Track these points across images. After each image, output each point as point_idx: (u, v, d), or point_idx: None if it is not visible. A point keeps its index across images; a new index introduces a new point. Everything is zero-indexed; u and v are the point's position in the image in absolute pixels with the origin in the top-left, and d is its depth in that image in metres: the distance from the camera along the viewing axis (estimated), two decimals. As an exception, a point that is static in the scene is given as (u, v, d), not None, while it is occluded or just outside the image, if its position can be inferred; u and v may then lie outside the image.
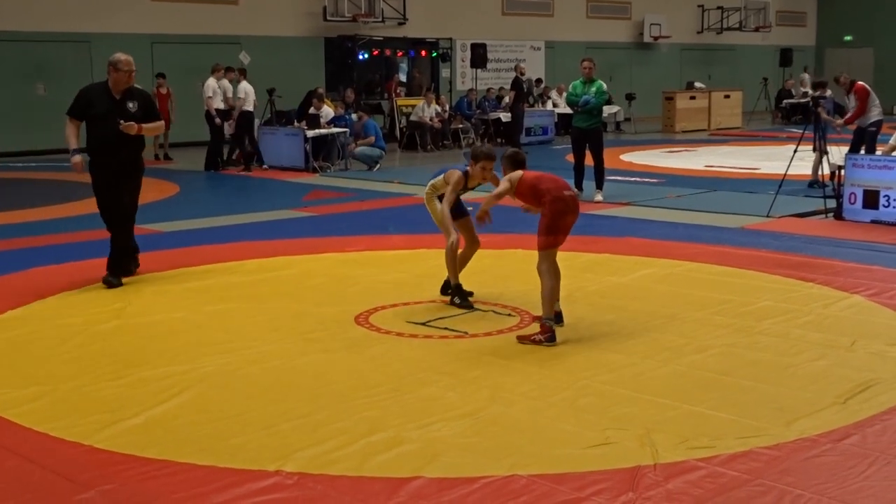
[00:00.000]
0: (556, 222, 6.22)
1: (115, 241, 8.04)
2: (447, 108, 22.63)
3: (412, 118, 21.81)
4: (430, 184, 7.17)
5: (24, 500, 3.94)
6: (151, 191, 14.57)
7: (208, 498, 3.92)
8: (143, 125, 7.95)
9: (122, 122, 7.78)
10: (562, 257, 8.44)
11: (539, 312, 6.32)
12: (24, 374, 5.56)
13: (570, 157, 13.25)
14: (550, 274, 6.24)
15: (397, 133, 22.27)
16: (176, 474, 4.14)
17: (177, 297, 7.46)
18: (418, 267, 8.51)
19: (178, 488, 4.01)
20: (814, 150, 12.62)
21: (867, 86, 13.10)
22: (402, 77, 24.93)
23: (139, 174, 8.19)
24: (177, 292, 7.60)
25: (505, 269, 8.29)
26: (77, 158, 8.06)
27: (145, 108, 8.08)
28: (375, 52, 24.04)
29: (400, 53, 24.84)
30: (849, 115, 13.23)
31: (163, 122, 8.60)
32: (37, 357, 5.91)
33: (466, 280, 7.15)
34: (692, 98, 26.74)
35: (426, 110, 21.46)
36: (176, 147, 20.38)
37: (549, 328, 6.11)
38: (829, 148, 11.87)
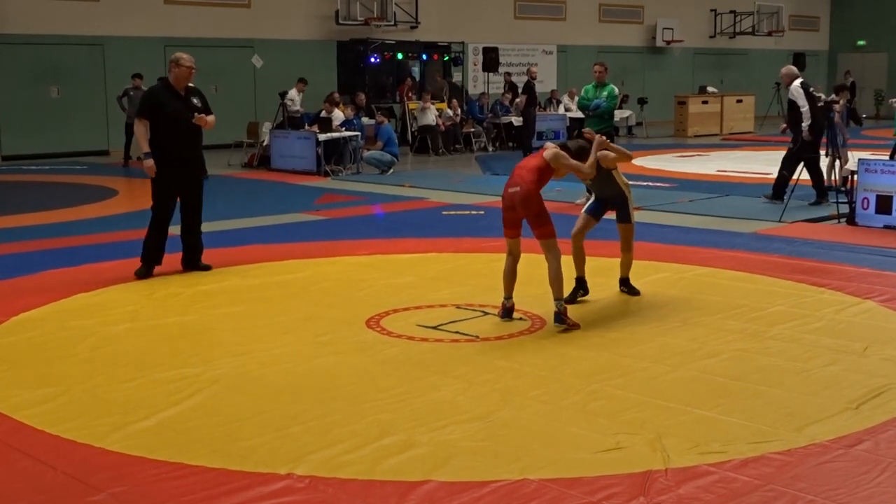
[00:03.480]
0: (503, 215, 6.78)
1: (162, 235, 8.36)
2: (459, 111, 22.62)
3: (421, 122, 21.83)
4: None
5: (36, 501, 3.95)
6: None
7: (219, 500, 3.93)
8: (209, 118, 8.31)
9: (195, 115, 8.12)
10: (571, 261, 8.44)
11: (548, 316, 6.53)
12: (37, 375, 5.59)
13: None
14: (508, 259, 6.84)
15: (409, 137, 22.28)
16: (187, 476, 4.15)
17: (189, 299, 7.49)
18: (429, 270, 8.52)
19: (190, 490, 4.02)
20: (825, 154, 12.59)
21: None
22: (452, 75, 25.35)
23: (203, 171, 8.51)
24: (189, 295, 7.62)
25: (517, 273, 8.27)
26: (151, 162, 8.22)
27: (204, 102, 8.45)
28: (387, 56, 24.07)
29: (412, 57, 24.86)
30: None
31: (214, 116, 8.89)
32: (49, 359, 5.93)
33: (483, 283, 7.11)
34: (704, 102, 26.69)
35: (428, 113, 21.44)
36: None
37: (501, 306, 6.80)
38: (841, 153, 11.84)
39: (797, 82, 12.44)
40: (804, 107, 12.23)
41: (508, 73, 25.21)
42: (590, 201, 7.55)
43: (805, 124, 12.24)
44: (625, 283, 7.58)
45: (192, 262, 8.50)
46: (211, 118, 8.39)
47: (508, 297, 6.79)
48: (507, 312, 6.76)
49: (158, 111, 8.17)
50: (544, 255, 6.68)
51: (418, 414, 4.89)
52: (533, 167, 6.68)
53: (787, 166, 12.36)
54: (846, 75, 30.31)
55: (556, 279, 6.60)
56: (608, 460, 4.28)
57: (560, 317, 6.53)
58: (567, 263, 7.09)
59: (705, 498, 3.91)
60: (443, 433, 4.62)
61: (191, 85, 8.50)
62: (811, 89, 12.50)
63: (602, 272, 8.18)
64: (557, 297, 6.58)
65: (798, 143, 12.29)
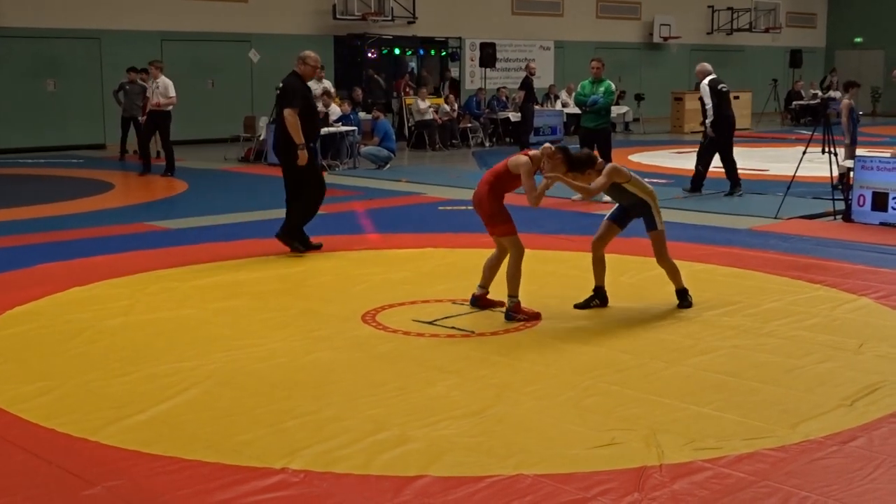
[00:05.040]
0: None
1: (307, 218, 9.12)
2: (456, 107, 22.61)
3: (418, 118, 21.82)
4: None
5: (31, 495, 3.95)
6: (159, 188, 14.63)
7: (214, 495, 3.93)
8: None
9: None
10: (569, 257, 8.45)
11: (543, 312, 6.62)
12: (32, 369, 5.58)
13: (579, 157, 13.22)
14: (495, 251, 6.92)
15: (406, 132, 22.27)
16: (182, 471, 4.15)
17: (184, 294, 7.48)
18: (425, 266, 8.52)
19: (184, 485, 4.01)
20: (823, 151, 12.56)
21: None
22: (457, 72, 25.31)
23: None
24: (184, 289, 7.62)
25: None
26: (306, 153, 8.83)
27: None
28: (385, 51, 24.05)
29: (409, 52, 24.85)
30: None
31: None
32: (44, 353, 5.92)
33: (475, 280, 7.09)
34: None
35: (421, 105, 21.43)
36: (183, 144, 20.44)
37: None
38: (837, 150, 11.82)
39: (706, 80, 13.14)
40: (708, 104, 13.12)
41: (446, 71, 25.15)
42: (614, 207, 7.26)
43: (707, 121, 13.23)
44: (679, 295, 7.02)
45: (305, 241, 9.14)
46: None
47: (482, 284, 6.88)
48: (474, 301, 6.88)
49: (307, 103, 8.83)
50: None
51: (413, 409, 4.89)
52: (494, 170, 6.77)
53: (702, 161, 13.34)
54: (832, 73, 30.37)
55: (512, 276, 6.65)
56: (603, 456, 4.29)
57: (510, 314, 6.62)
58: (584, 270, 7.08)
59: (699, 494, 3.91)
60: (438, 428, 4.62)
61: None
62: (720, 86, 13.15)
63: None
64: (511, 293, 6.65)
65: (707, 138, 13.21)
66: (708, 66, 13.61)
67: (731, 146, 13.38)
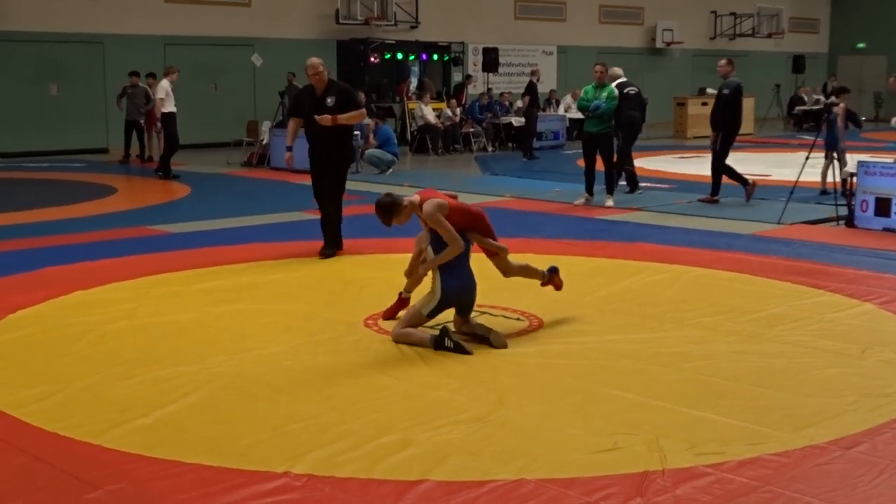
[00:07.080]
0: None
1: (325, 219, 9.25)
2: (458, 111, 22.61)
3: (419, 122, 21.84)
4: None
5: (33, 499, 3.95)
6: (162, 192, 14.65)
7: (216, 498, 3.92)
8: (339, 116, 8.95)
9: (316, 116, 8.90)
10: (572, 262, 8.44)
11: (545, 316, 6.49)
12: (34, 372, 5.58)
13: (581, 162, 13.25)
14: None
15: (408, 136, 22.27)
16: (184, 474, 4.15)
17: (187, 297, 7.48)
18: (428, 270, 8.50)
19: (186, 488, 4.01)
20: (826, 157, 12.59)
21: None
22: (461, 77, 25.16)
23: (344, 160, 9.39)
24: (187, 293, 7.62)
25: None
26: (287, 154, 9.43)
27: (342, 100, 9.07)
28: (388, 55, 24.07)
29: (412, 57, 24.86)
30: None
31: (363, 111, 9.53)
32: (47, 356, 5.92)
33: (482, 284, 7.07)
34: (704, 104, 26.65)
35: (424, 110, 21.46)
36: (185, 148, 20.45)
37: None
38: (840, 155, 11.85)
39: (614, 84, 13.43)
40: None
41: (465, 87, 25.06)
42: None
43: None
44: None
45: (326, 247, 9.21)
46: (346, 115, 9.00)
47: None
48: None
49: (300, 110, 9.25)
50: None
51: (415, 413, 4.88)
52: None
53: (627, 161, 13.91)
54: (831, 78, 30.38)
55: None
56: (605, 461, 4.28)
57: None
58: None
59: (702, 499, 3.91)
60: (440, 433, 4.62)
61: (340, 82, 9.63)
62: (627, 89, 13.68)
63: (601, 273, 8.19)
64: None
65: (619, 138, 13.66)
66: (618, 70, 14.11)
67: (631, 144, 14.01)
